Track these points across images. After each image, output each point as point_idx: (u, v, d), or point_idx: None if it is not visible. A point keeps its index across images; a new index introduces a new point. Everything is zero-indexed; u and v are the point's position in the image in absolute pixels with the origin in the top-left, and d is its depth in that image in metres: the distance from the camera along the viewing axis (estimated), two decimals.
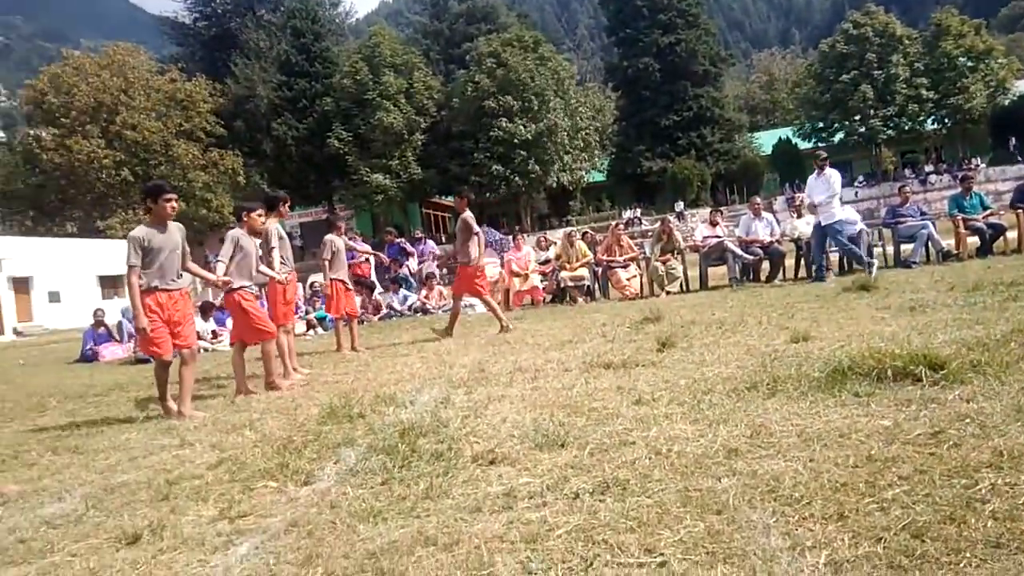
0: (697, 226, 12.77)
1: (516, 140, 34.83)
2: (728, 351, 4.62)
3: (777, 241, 10.63)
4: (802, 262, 10.67)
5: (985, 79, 37.89)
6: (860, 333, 4.63)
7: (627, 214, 37.98)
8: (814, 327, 5.10)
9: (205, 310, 10.96)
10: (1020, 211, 10.50)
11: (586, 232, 12.78)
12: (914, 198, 12.56)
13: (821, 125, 40.57)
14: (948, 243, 10.33)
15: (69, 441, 4.27)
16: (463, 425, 3.39)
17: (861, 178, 40.15)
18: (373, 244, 19.29)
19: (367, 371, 5.92)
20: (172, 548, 2.29)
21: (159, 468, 3.35)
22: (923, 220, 10.49)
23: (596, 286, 11.11)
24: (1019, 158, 36.17)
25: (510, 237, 14.00)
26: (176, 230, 4.89)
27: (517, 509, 2.29)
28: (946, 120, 39.26)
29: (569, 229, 16.22)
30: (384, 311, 12.00)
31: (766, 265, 10.59)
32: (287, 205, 6.64)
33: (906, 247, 10.38)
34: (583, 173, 39.94)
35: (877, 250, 10.88)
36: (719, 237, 10.80)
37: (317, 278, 11.55)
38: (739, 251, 10.37)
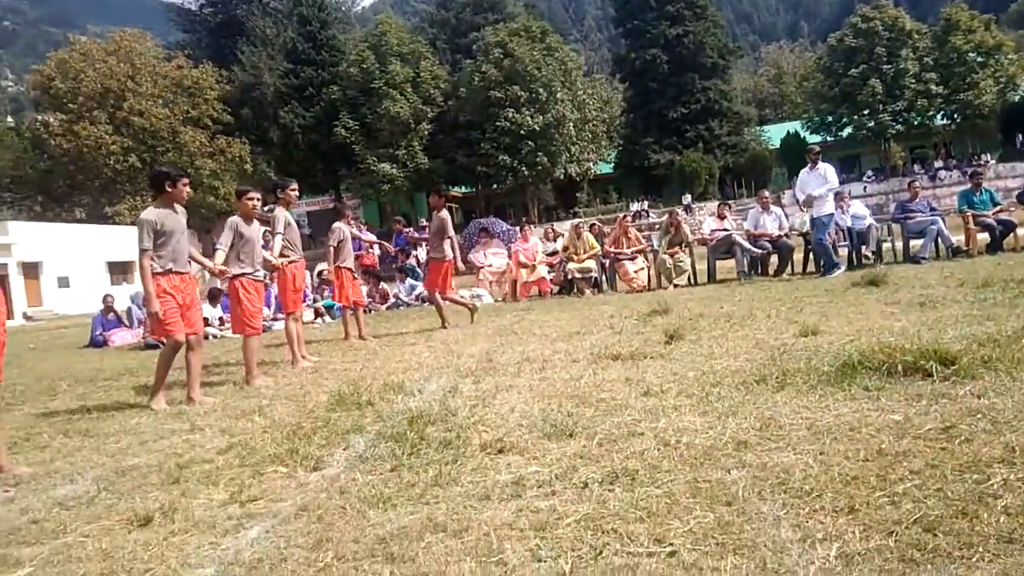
0: (705, 219, 12.72)
1: (523, 131, 34.69)
2: (737, 344, 4.61)
3: (786, 235, 10.61)
4: (810, 256, 10.64)
5: (995, 75, 37.60)
6: (869, 328, 4.62)
7: (634, 206, 37.92)
8: (823, 321, 5.09)
9: (213, 296, 10.93)
10: None
11: (593, 224, 12.72)
12: (923, 193, 12.48)
13: (830, 119, 40.39)
14: (958, 239, 10.27)
15: (80, 424, 4.30)
16: (471, 414, 3.40)
17: (870, 173, 39.96)
18: (380, 234, 19.27)
19: (375, 359, 5.93)
20: (183, 531, 2.31)
21: (170, 452, 3.37)
22: (933, 216, 10.43)
23: (604, 278, 11.09)
24: None
25: (517, 228, 13.97)
26: (183, 214, 4.91)
27: (526, 497, 2.29)
28: (955, 115, 39.00)
29: (576, 221, 16.17)
30: (391, 300, 12.01)
31: (774, 259, 10.57)
32: (295, 191, 6.62)
33: (915, 243, 10.33)
34: (590, 165, 39.76)
35: (886, 245, 10.84)
36: (727, 230, 10.77)
37: (325, 266, 11.55)
38: (747, 244, 10.34)
